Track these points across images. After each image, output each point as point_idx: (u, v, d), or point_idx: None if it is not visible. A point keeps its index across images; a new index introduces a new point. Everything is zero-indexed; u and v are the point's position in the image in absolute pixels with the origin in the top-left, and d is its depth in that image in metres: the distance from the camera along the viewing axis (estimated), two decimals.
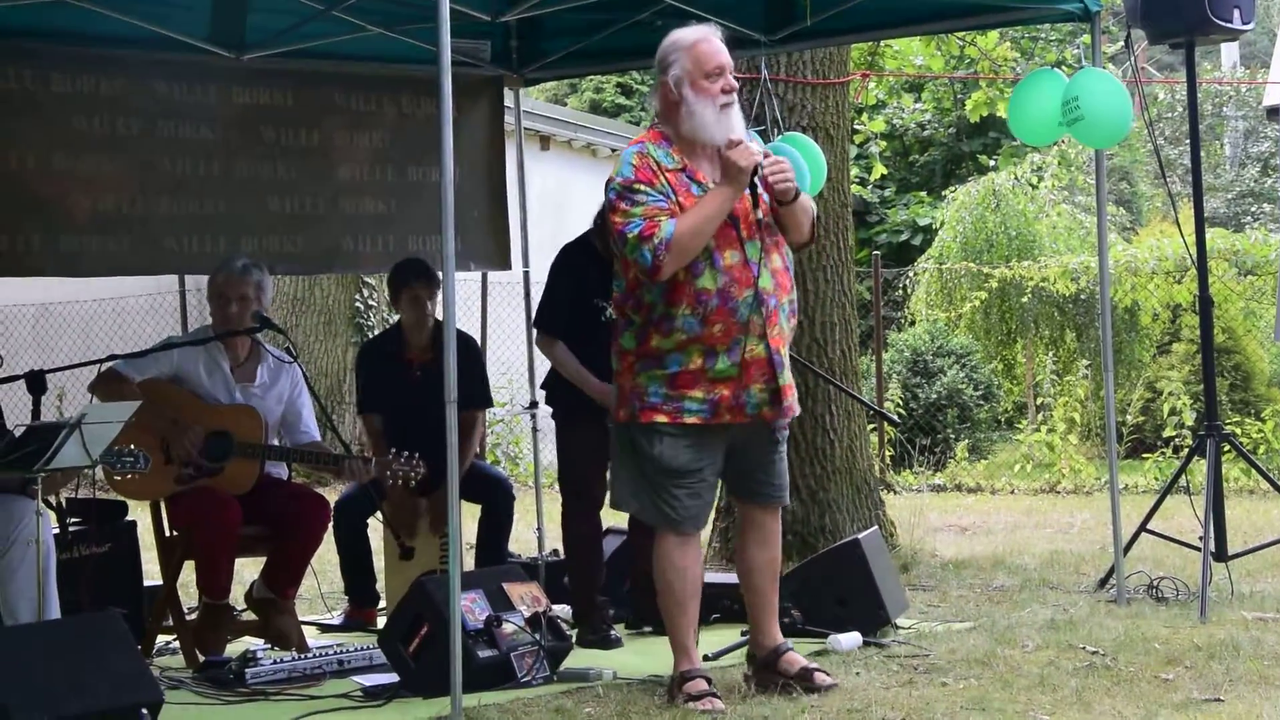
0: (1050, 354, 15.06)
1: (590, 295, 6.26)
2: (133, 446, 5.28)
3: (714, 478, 5.14)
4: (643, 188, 4.93)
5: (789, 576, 6.32)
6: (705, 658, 5.54)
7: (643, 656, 5.80)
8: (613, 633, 6.23)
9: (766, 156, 5.07)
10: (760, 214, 5.04)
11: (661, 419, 4.98)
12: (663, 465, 5.01)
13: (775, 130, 7.68)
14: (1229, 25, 7.09)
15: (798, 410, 5.21)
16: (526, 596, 5.52)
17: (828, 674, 5.17)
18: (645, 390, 4.99)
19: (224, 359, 6.18)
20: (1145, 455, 13.06)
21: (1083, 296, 14.79)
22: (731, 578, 6.09)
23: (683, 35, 5.05)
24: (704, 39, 5.02)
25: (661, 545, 5.11)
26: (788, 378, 5.07)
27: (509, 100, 8.11)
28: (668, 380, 4.97)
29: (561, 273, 6.40)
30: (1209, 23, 7.04)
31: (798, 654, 5.24)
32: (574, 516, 6.40)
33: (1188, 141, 7.59)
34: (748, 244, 4.99)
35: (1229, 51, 26.51)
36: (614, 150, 16.56)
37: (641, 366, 5.01)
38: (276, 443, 6.26)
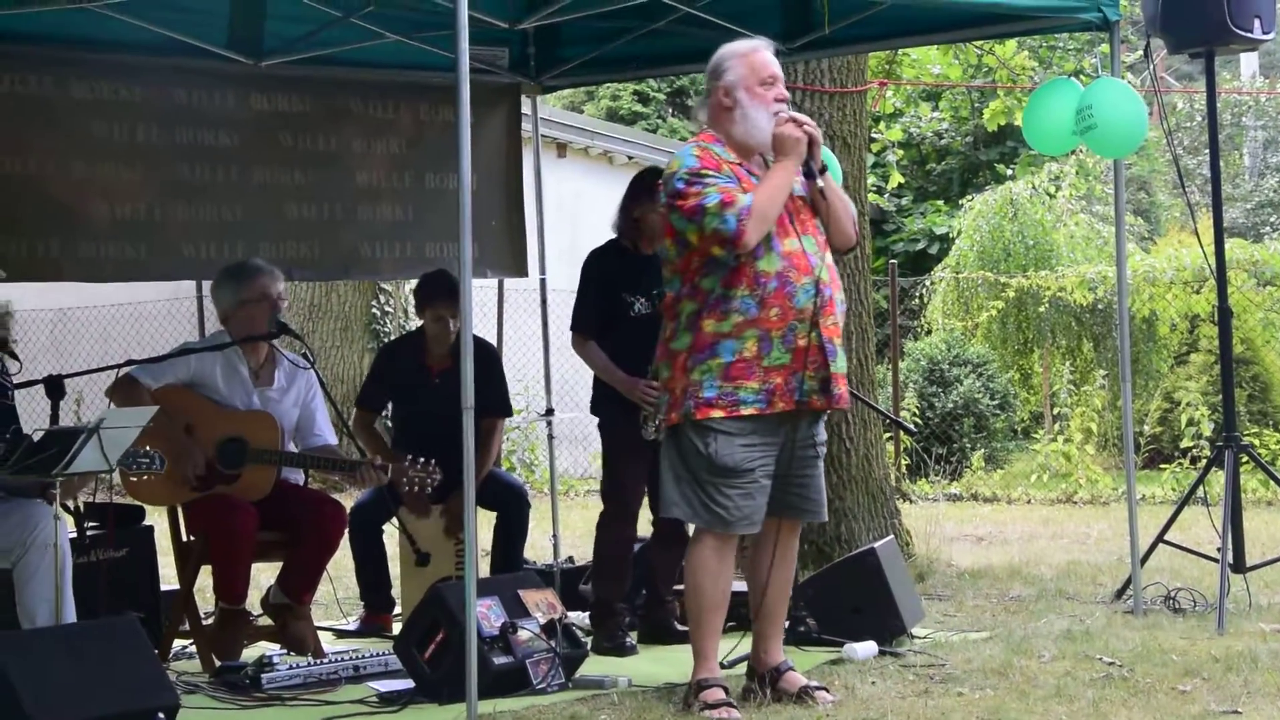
0: (1067, 364, 15.02)
1: (619, 291, 6.31)
2: (148, 447, 5.29)
3: (766, 480, 5.10)
4: (709, 173, 5.03)
5: (804, 585, 6.33)
6: (721, 665, 5.54)
7: (658, 664, 5.80)
8: (628, 640, 6.22)
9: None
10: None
11: (717, 414, 4.99)
12: (716, 464, 5.01)
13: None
14: (1249, 35, 7.07)
15: (848, 403, 5.22)
16: (542, 603, 5.52)
17: (828, 691, 5.15)
18: (700, 386, 5.00)
19: (241, 364, 6.20)
20: (1163, 466, 13.02)
21: (1100, 306, 14.76)
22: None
23: (737, 45, 5.20)
24: (758, 49, 5.18)
25: (701, 548, 5.10)
26: (841, 366, 5.10)
27: (526, 107, 8.12)
28: (722, 371, 4.99)
29: (591, 274, 6.45)
30: (1229, 32, 7.02)
31: (798, 673, 5.24)
32: (609, 524, 6.41)
33: (1206, 151, 7.57)
34: (804, 238, 5.07)
35: (1248, 61, 26.44)
36: (630, 158, 16.57)
37: (694, 361, 5.02)
38: (293, 448, 6.27)
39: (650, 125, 22.34)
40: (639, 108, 23.03)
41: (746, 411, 5.00)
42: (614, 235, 6.51)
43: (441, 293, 6.77)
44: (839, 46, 7.65)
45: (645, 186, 6.39)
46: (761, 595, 5.22)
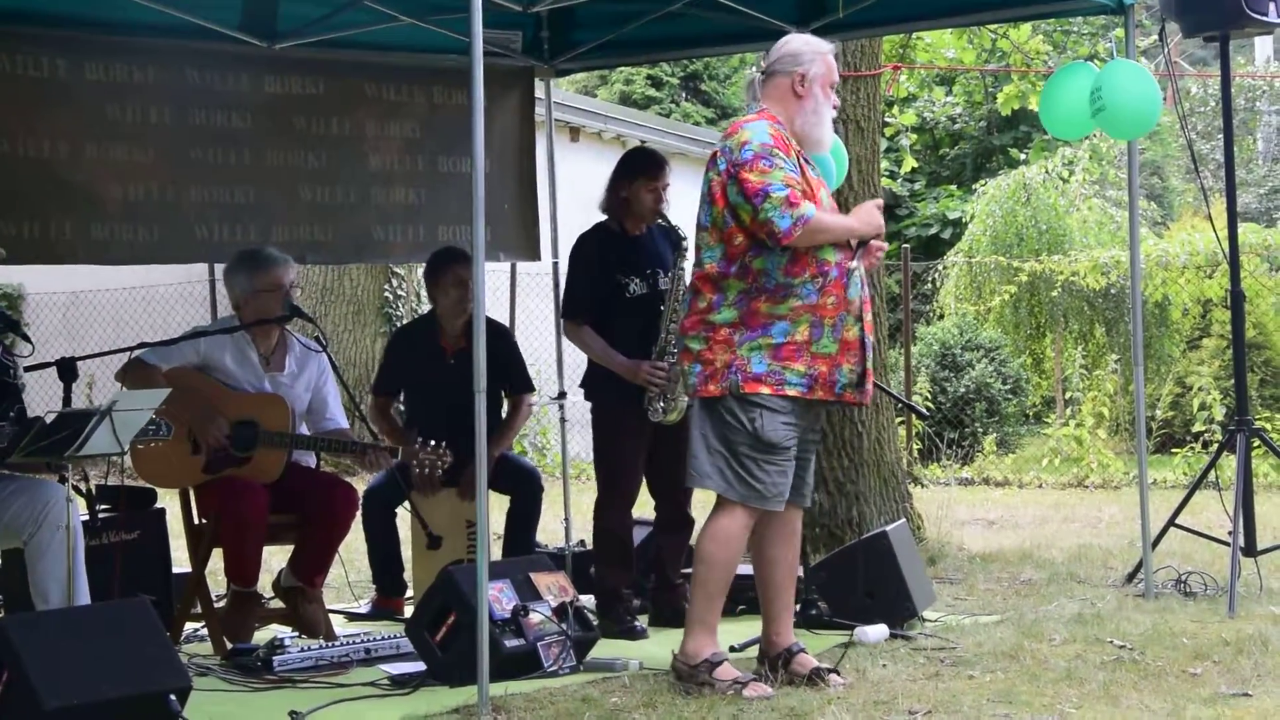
0: (1079, 348, 15.00)
1: (612, 273, 6.30)
2: (153, 415, 5.27)
3: (793, 461, 5.16)
4: (780, 155, 5.05)
5: (817, 568, 6.34)
6: (731, 649, 5.55)
7: (667, 648, 5.79)
8: (638, 624, 6.23)
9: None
10: None
11: (765, 390, 5.02)
12: (761, 439, 5.05)
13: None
14: (1265, 18, 7.05)
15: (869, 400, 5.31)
16: (554, 586, 5.53)
17: (839, 673, 5.16)
18: (748, 362, 5.03)
19: (252, 349, 6.21)
20: (1174, 450, 13.01)
21: (1113, 291, 14.74)
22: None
23: (818, 41, 5.30)
24: (833, 52, 5.29)
25: (730, 520, 5.10)
26: (871, 363, 5.18)
27: (539, 91, 8.12)
28: (773, 351, 5.03)
29: (580, 259, 6.43)
30: (1244, 15, 7.00)
31: (809, 655, 5.25)
32: (607, 509, 6.41)
33: (1220, 136, 7.56)
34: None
35: (1263, 45, 26.37)
36: (643, 142, 16.54)
37: (744, 337, 5.04)
38: (305, 431, 6.28)
39: (663, 110, 22.32)
40: (652, 92, 23.01)
41: (790, 392, 5.05)
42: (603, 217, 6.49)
43: (455, 259, 6.77)
44: (853, 30, 7.63)
45: (633, 165, 6.40)
46: (773, 577, 5.23)
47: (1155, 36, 19.05)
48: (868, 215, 5.20)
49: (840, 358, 5.08)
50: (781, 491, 5.12)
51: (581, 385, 6.52)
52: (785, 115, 5.17)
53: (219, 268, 8.11)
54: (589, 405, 6.47)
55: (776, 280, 5.02)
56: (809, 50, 5.22)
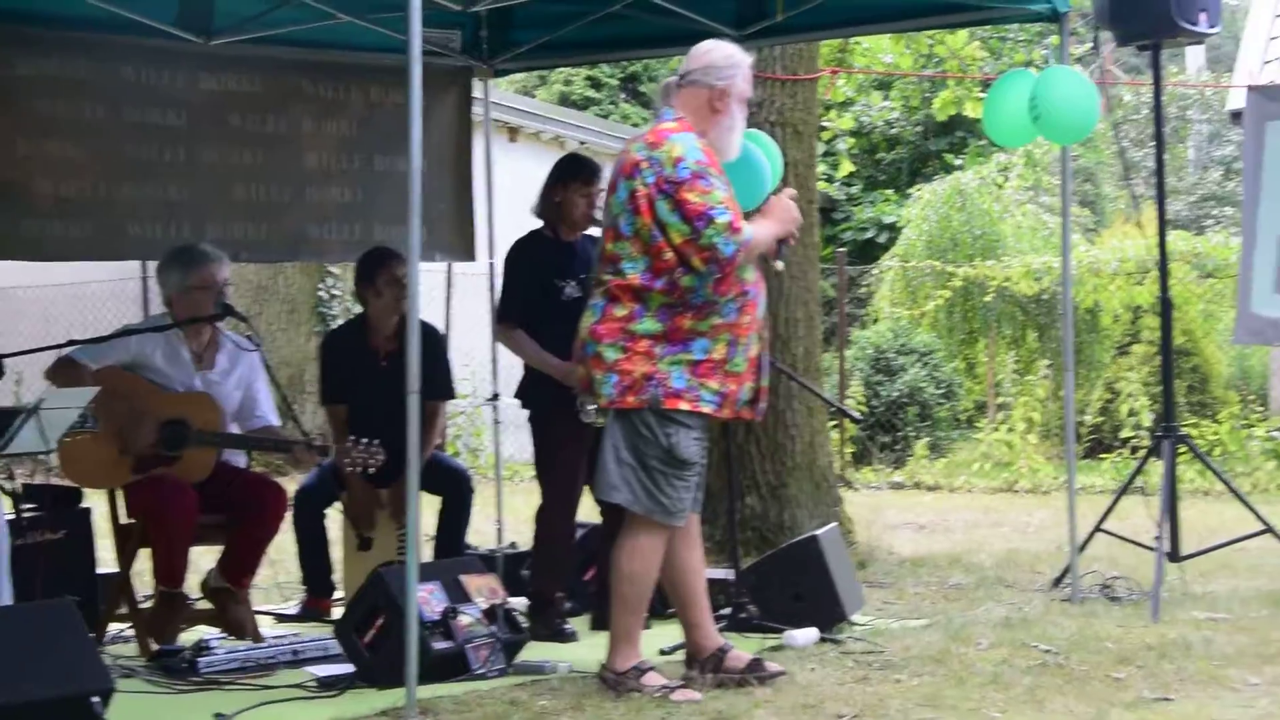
0: (1011, 353, 15.13)
1: (547, 277, 6.30)
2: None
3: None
4: (714, 173, 5.05)
5: (747, 572, 6.36)
6: (661, 652, 5.57)
7: (598, 650, 5.79)
8: (567, 626, 6.24)
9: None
10: None
11: (685, 406, 5.02)
12: (675, 455, 5.05)
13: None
14: (1195, 29, 7.15)
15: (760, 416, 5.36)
16: (484, 589, 5.52)
17: (776, 664, 5.23)
18: (669, 376, 5.02)
19: (183, 346, 6.16)
20: (1103, 456, 13.15)
21: (1045, 296, 14.87)
22: (716, 572, 6.17)
23: (740, 55, 5.24)
24: (749, 63, 5.25)
25: (643, 536, 5.11)
26: (766, 381, 5.22)
27: (478, 91, 8.10)
28: (692, 367, 5.03)
29: (516, 263, 6.43)
30: (1175, 26, 7.10)
31: (739, 650, 5.28)
32: (550, 514, 6.39)
33: (1152, 144, 7.66)
34: None
35: (1195, 55, 26.67)
36: (582, 143, 16.55)
37: (665, 351, 5.03)
38: (235, 430, 6.24)
39: (602, 111, 22.31)
40: (591, 93, 23.00)
41: (705, 409, 5.06)
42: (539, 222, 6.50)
43: (388, 259, 6.75)
44: (791, 34, 7.68)
45: (566, 171, 6.40)
46: (688, 583, 5.25)
47: (1090, 44, 19.22)
48: (785, 213, 5.20)
49: (747, 376, 5.11)
50: (686, 507, 5.13)
51: (517, 395, 6.51)
52: (699, 125, 5.14)
53: (151, 265, 8.05)
54: (525, 412, 6.47)
55: (704, 297, 5.02)
56: (729, 65, 5.17)
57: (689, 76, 5.20)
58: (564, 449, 6.29)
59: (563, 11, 7.40)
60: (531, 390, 6.40)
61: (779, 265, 5.24)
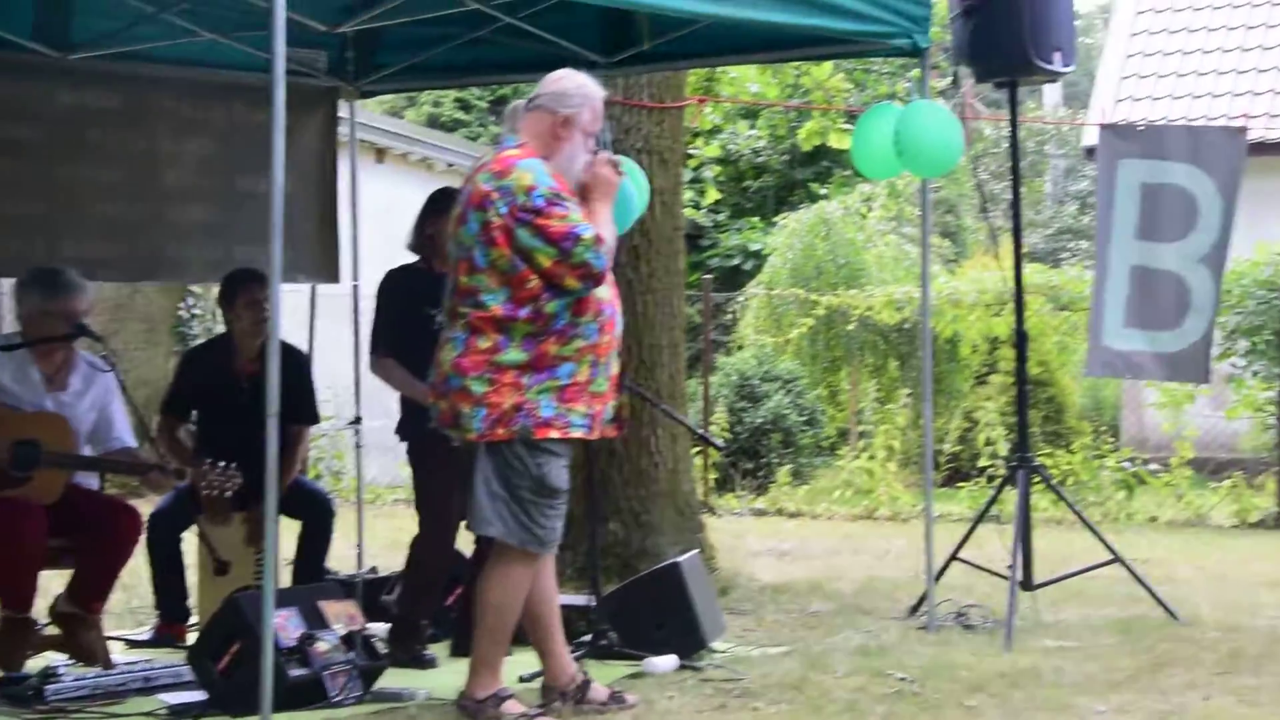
0: (873, 382, 15.31)
1: (422, 307, 6.26)
2: None
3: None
4: (565, 197, 5.05)
5: (608, 598, 6.37)
6: (520, 679, 5.55)
7: (457, 676, 5.76)
8: (428, 653, 6.20)
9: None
10: None
11: (554, 434, 5.02)
12: (546, 484, 5.05)
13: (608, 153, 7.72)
14: (1050, 68, 7.30)
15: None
16: (342, 615, 5.47)
17: (633, 695, 5.28)
18: (537, 405, 5.00)
19: (34, 367, 6.03)
20: (961, 484, 13.33)
21: (906, 326, 15.07)
22: (577, 598, 6.22)
23: (592, 87, 5.23)
24: (600, 96, 5.24)
25: (512, 566, 5.09)
26: (622, 399, 5.26)
27: (344, 111, 8.05)
28: (559, 393, 5.02)
29: (389, 293, 6.41)
30: (1031, 65, 7.25)
31: (601, 684, 5.30)
32: (428, 542, 6.33)
33: (1012, 177, 7.82)
34: None
35: (1052, 91, 27.28)
36: (450, 165, 16.49)
37: (532, 380, 5.00)
38: (89, 452, 6.12)
39: (472, 133, 22.26)
40: (461, 115, 22.93)
41: (575, 434, 5.07)
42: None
43: (249, 280, 6.68)
44: (658, 62, 7.72)
45: (439, 205, 6.37)
46: (546, 613, 5.25)
47: (951, 79, 19.54)
48: (606, 185, 5.17)
49: (609, 395, 5.14)
50: (558, 536, 5.15)
51: (396, 431, 6.46)
52: (542, 151, 5.13)
53: (5, 282, 7.88)
54: (389, 435, 6.42)
55: (566, 321, 5.03)
56: (578, 95, 5.17)
57: (537, 101, 5.21)
58: (441, 479, 6.24)
59: (430, 34, 7.38)
60: (408, 421, 6.36)
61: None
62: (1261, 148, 13.44)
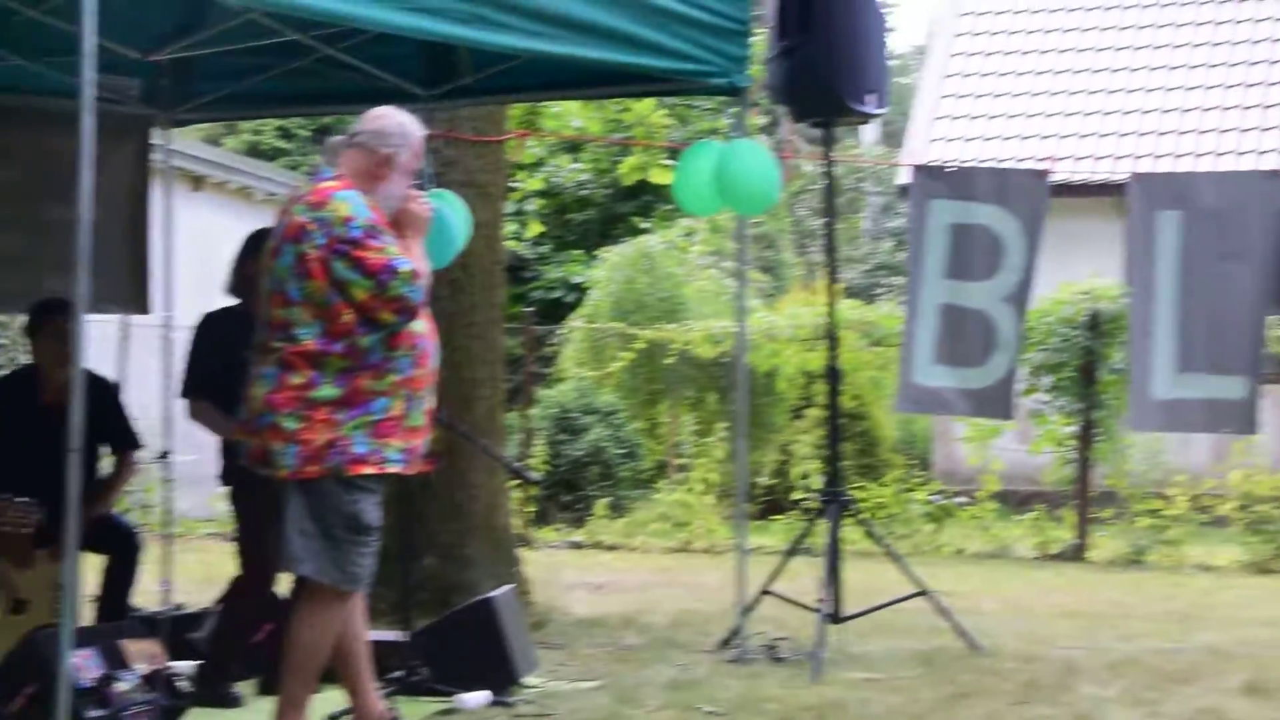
0: (692, 415, 15.44)
1: (239, 349, 6.16)
2: None
3: None
4: (383, 230, 5.02)
5: (420, 634, 6.33)
6: (331, 717, 5.50)
7: (263, 716, 5.69)
8: (234, 691, 6.10)
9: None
10: None
11: (369, 470, 4.96)
12: (359, 522, 5.00)
13: (429, 185, 7.71)
14: (864, 110, 7.47)
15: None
16: (144, 654, 5.36)
17: None
18: (351, 441, 4.94)
19: None
20: (776, 517, 13.50)
21: (725, 360, 15.24)
22: (389, 634, 6.14)
23: (412, 126, 5.22)
24: (421, 138, 5.25)
25: (326, 605, 5.04)
26: (437, 433, 5.26)
27: (159, 138, 7.91)
28: (373, 428, 4.96)
29: (205, 336, 6.31)
30: (845, 107, 7.41)
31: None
32: (250, 586, 6.21)
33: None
34: None
35: (870, 129, 27.84)
36: (270, 194, 16.30)
37: (346, 416, 4.94)
38: None
39: (292, 162, 22.01)
40: (282, 144, 22.67)
41: (391, 469, 5.03)
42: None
43: (54, 310, 6.52)
44: (480, 96, 7.75)
45: (256, 245, 6.29)
46: (356, 650, 5.20)
47: (771, 118, 19.80)
48: (419, 221, 5.19)
49: (425, 429, 5.13)
50: (370, 574, 5.10)
51: (219, 476, 6.35)
52: (360, 187, 5.11)
53: None
54: (212, 463, 6.32)
55: (380, 355, 5.01)
56: (398, 134, 5.16)
57: (357, 138, 5.18)
58: (264, 525, 6.13)
59: (248, 64, 7.31)
60: (229, 464, 6.26)
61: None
62: (1065, 189, 13.90)
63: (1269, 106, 17.06)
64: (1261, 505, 12.15)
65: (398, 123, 5.19)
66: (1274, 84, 17.29)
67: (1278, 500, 12.16)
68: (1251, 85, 17.35)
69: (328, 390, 4.96)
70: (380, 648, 5.56)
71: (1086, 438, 12.86)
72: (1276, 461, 13.04)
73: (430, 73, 7.47)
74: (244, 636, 6.28)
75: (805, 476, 13.60)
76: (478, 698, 5.90)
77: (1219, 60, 17.74)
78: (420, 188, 7.18)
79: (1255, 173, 11.34)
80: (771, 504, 14.33)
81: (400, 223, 5.15)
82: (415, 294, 4.97)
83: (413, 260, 5.03)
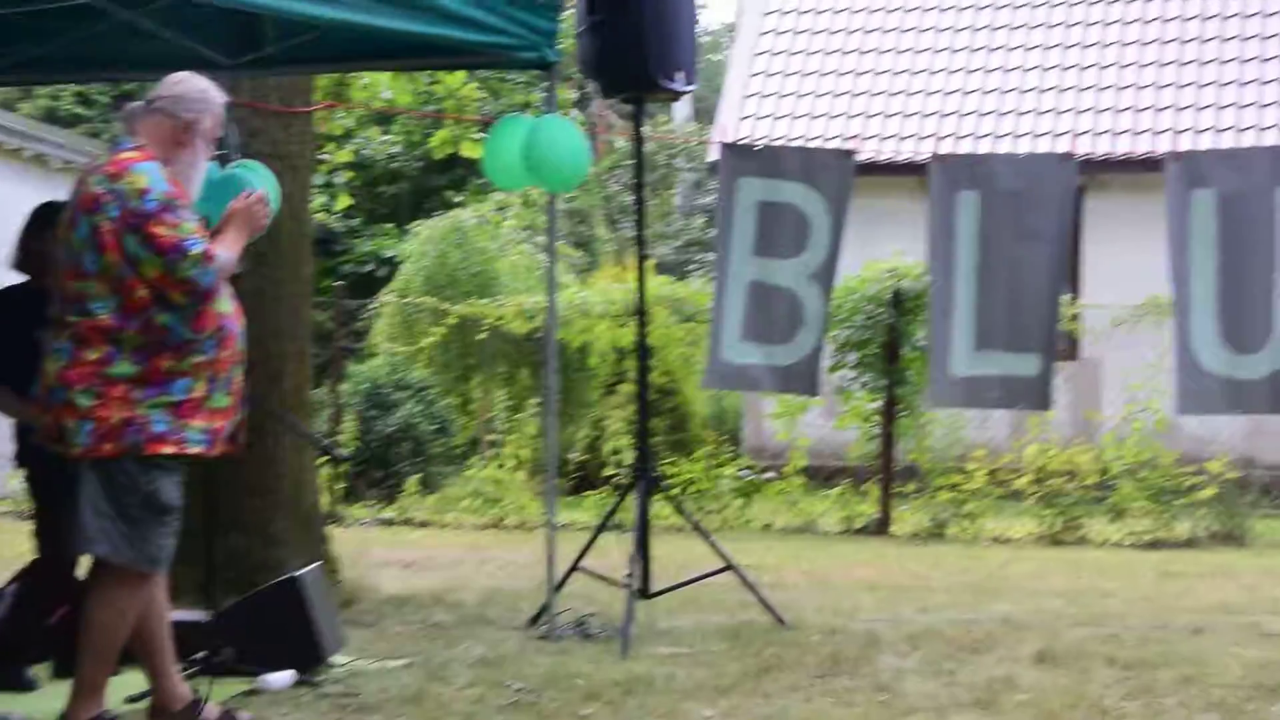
0: (505, 391, 15.41)
1: (31, 327, 5.97)
2: None
3: None
4: (181, 205, 4.90)
5: (224, 613, 6.23)
6: (128, 700, 5.38)
7: (59, 700, 5.54)
8: (28, 674, 5.94)
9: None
10: None
11: (169, 449, 4.86)
12: (157, 501, 4.90)
13: (235, 156, 7.56)
14: (672, 87, 7.51)
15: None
16: None
17: (247, 714, 5.17)
18: (149, 420, 4.83)
19: None
20: (588, 493, 13.55)
21: (538, 335, 15.24)
22: (192, 614, 6.04)
23: (213, 92, 5.12)
24: (223, 104, 5.15)
25: (122, 586, 4.93)
26: (244, 413, 5.16)
27: None
28: (174, 408, 4.87)
29: None
30: (653, 83, 7.44)
31: (213, 703, 5.19)
32: (49, 569, 6.05)
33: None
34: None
35: (683, 105, 28.01)
36: (68, 163, 15.83)
37: (144, 394, 4.84)
38: None
39: (93, 129, 21.42)
40: (81, 110, 22.05)
41: (192, 450, 4.94)
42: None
43: None
44: (285, 66, 7.61)
45: (42, 220, 6.11)
46: (158, 631, 5.12)
47: (582, 92, 19.79)
48: (247, 220, 5.13)
49: (231, 411, 5.05)
50: (170, 555, 5.01)
51: (15, 458, 6.15)
52: (162, 155, 5.01)
53: None
54: (18, 469, 6.14)
55: (182, 336, 4.90)
56: (200, 100, 5.07)
57: (157, 104, 5.07)
58: (64, 506, 5.97)
59: (43, 28, 7.06)
60: (26, 450, 6.06)
61: (242, 269, 5.21)
62: (871, 169, 14.16)
63: (1064, 89, 17.55)
64: (1054, 479, 12.53)
65: (198, 88, 5.09)
66: (1069, 67, 17.78)
67: (1069, 474, 12.55)
68: (1048, 69, 17.83)
69: (124, 367, 4.85)
70: (182, 629, 5.46)
71: (890, 414, 13.12)
72: (1068, 437, 13.46)
73: (234, 40, 7.31)
74: (39, 619, 6.11)
75: (617, 452, 13.68)
76: (282, 678, 5.83)
77: (1018, 43, 18.19)
78: (225, 159, 7.08)
79: (1050, 155, 11.69)
80: (584, 480, 14.38)
81: (234, 213, 5.10)
82: (205, 277, 4.86)
83: (222, 247, 4.93)
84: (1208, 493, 12.27)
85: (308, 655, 6.09)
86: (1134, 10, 18.23)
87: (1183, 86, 17.29)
